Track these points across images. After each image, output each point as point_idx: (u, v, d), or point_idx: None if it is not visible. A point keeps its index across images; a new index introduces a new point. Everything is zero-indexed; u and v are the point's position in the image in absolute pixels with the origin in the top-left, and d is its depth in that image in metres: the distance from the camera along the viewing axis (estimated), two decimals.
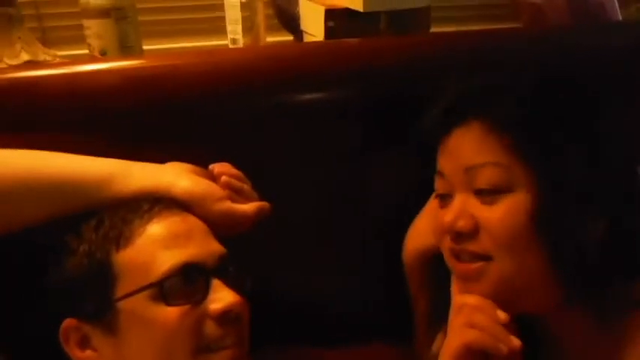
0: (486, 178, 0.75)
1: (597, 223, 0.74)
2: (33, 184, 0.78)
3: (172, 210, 0.79)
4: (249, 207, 0.83)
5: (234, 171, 0.87)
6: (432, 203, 0.87)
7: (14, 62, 1.13)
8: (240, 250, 0.81)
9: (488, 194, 0.75)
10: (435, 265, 0.87)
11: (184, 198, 0.80)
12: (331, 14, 1.13)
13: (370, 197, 1.05)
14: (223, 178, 0.84)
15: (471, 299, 0.75)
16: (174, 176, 0.82)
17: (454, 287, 0.81)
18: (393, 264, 0.99)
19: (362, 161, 1.04)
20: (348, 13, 1.13)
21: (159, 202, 0.79)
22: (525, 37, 1.18)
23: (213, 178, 0.85)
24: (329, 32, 1.14)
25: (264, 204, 0.85)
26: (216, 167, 0.86)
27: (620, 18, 1.35)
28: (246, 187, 0.87)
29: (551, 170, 0.73)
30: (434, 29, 1.25)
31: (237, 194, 0.84)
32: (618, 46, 1.15)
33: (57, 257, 0.79)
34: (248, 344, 0.79)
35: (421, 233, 0.95)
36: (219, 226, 0.82)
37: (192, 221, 0.80)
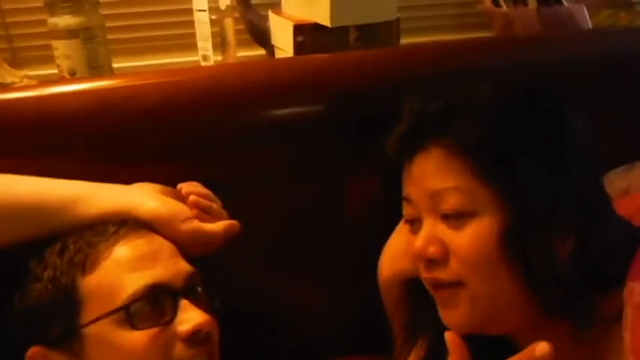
0: (450, 203, 0.73)
1: (566, 239, 0.74)
2: None
3: (138, 232, 0.78)
4: (217, 226, 0.83)
5: (202, 190, 0.87)
6: (404, 225, 0.85)
7: None
8: (213, 268, 0.81)
9: (455, 219, 0.73)
10: (411, 285, 0.87)
11: (151, 219, 0.80)
12: (300, 29, 1.13)
13: (344, 214, 1.05)
14: (191, 197, 0.84)
15: None
16: (141, 197, 0.82)
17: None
18: (369, 278, 0.99)
19: (333, 176, 1.03)
20: (316, 27, 1.13)
21: (125, 223, 0.79)
22: (496, 48, 1.18)
23: (182, 197, 0.84)
24: (298, 47, 1.14)
25: (233, 223, 0.85)
26: (184, 186, 0.86)
27: (590, 26, 1.36)
28: (215, 205, 0.86)
29: (516, 191, 0.72)
30: (404, 40, 1.25)
31: (205, 213, 0.84)
32: (589, 54, 1.16)
33: (21, 283, 0.78)
34: None
35: (396, 257, 0.94)
36: (188, 246, 0.81)
37: (159, 242, 0.79)
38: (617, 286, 0.73)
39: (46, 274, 0.76)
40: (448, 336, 0.70)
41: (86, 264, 0.75)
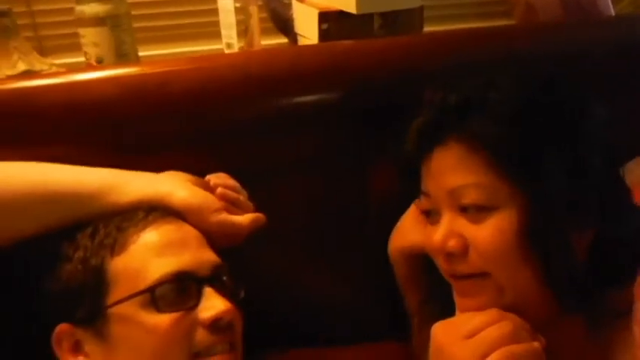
0: (471, 198, 0.74)
1: (584, 235, 0.74)
2: (30, 197, 0.79)
3: (167, 218, 0.80)
4: (244, 219, 0.84)
5: (230, 182, 0.88)
6: (414, 206, 0.87)
7: (11, 72, 1.13)
8: (237, 257, 0.82)
9: (475, 213, 0.74)
10: (420, 260, 0.88)
11: (181, 208, 0.81)
12: (325, 17, 1.13)
13: (369, 201, 1.05)
14: (219, 189, 0.85)
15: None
16: (172, 186, 0.83)
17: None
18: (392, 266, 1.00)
19: (358, 164, 1.04)
20: (341, 15, 1.13)
21: (154, 210, 0.80)
22: (519, 35, 1.18)
23: (210, 188, 0.85)
24: (323, 34, 1.14)
25: (259, 215, 0.86)
26: (213, 178, 0.87)
27: (613, 13, 1.35)
28: (242, 197, 0.87)
29: (535, 185, 0.72)
30: (427, 28, 1.25)
31: (233, 205, 0.85)
32: (611, 42, 1.15)
33: (52, 264, 0.80)
34: (241, 350, 0.80)
35: (405, 232, 0.95)
36: (215, 236, 0.83)
37: (187, 230, 0.81)
38: (629, 278, 0.73)
39: (76, 255, 0.78)
40: None
41: (115, 246, 0.77)
